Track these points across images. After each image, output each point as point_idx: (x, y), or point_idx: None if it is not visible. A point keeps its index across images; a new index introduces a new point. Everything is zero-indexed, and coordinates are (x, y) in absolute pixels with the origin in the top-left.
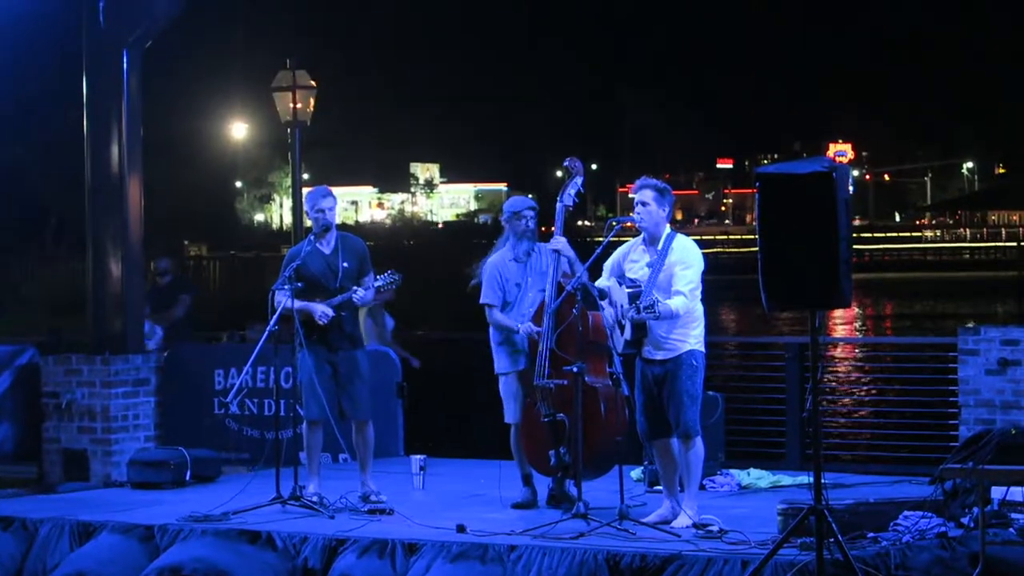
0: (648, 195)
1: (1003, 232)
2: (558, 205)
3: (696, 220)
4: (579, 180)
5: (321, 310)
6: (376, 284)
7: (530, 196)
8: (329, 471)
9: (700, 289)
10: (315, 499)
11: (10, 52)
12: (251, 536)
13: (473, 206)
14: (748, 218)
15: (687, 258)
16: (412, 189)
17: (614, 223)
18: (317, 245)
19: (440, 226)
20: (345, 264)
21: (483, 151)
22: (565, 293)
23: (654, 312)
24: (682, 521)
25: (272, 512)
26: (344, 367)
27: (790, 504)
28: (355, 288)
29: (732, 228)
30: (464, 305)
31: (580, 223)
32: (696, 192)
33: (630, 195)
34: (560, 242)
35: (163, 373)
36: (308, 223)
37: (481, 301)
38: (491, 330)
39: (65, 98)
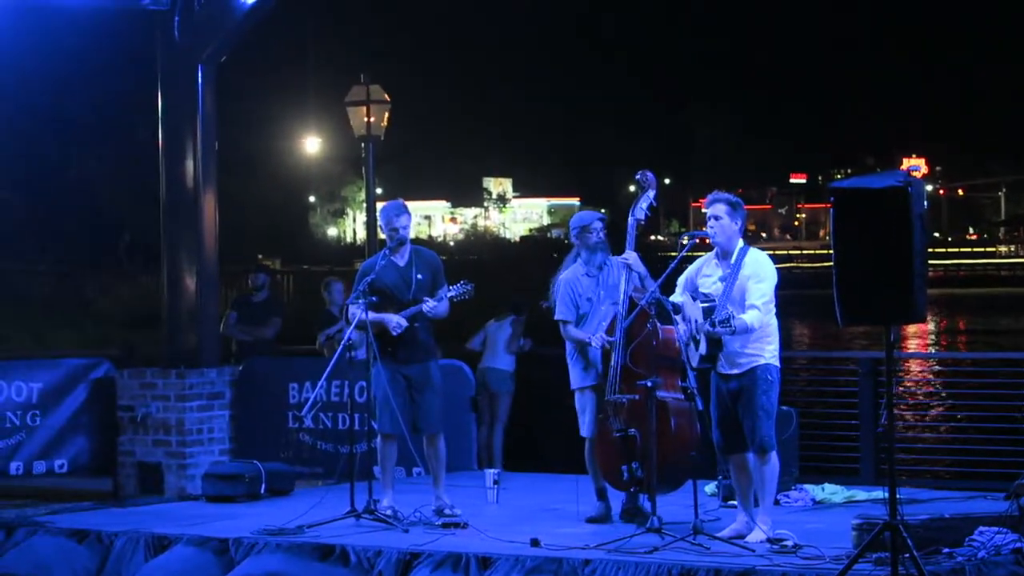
0: (721, 209)
1: None
2: (630, 219)
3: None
4: (651, 194)
5: (396, 321)
6: (449, 295)
7: (602, 211)
8: (403, 485)
9: (774, 303)
10: (389, 513)
11: (87, 68)
12: (325, 550)
13: (546, 220)
14: (821, 233)
15: (760, 271)
16: (485, 203)
17: (687, 238)
18: (392, 258)
19: (518, 240)
20: (419, 276)
21: (556, 166)
22: (639, 308)
23: (730, 326)
24: (756, 536)
25: (346, 526)
26: (417, 379)
27: (865, 519)
28: (426, 299)
29: (805, 243)
30: (538, 319)
31: (653, 238)
32: (769, 207)
33: (703, 210)
34: (631, 256)
35: (237, 387)
36: (383, 236)
37: (556, 317)
38: (567, 345)
39: (140, 113)
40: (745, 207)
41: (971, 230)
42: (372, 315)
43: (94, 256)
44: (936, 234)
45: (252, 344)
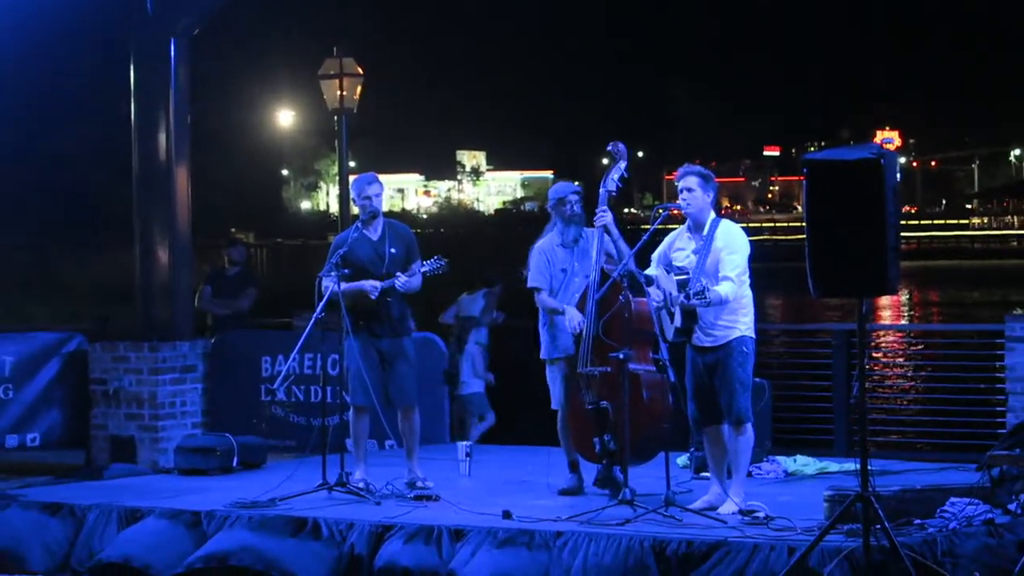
0: (693, 181)
1: None
2: (601, 191)
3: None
4: (623, 165)
5: (372, 284)
6: (422, 270)
7: (576, 183)
8: (375, 458)
9: (748, 275)
10: (361, 485)
11: (59, 42)
12: (298, 523)
13: (519, 193)
14: (795, 205)
15: (733, 243)
16: (459, 177)
17: (660, 210)
18: (364, 232)
19: (492, 213)
20: (392, 250)
21: (529, 139)
22: (611, 280)
23: (704, 298)
24: (728, 507)
25: (319, 499)
26: (390, 353)
27: (837, 491)
28: (399, 274)
29: (778, 216)
30: (510, 292)
31: (626, 211)
32: (743, 179)
33: (675, 182)
34: (607, 217)
35: (210, 360)
36: (355, 210)
37: (529, 285)
38: (540, 315)
39: (113, 88)
40: (718, 179)
41: (943, 203)
42: (346, 285)
43: (67, 230)
44: (907, 207)
45: (228, 316)
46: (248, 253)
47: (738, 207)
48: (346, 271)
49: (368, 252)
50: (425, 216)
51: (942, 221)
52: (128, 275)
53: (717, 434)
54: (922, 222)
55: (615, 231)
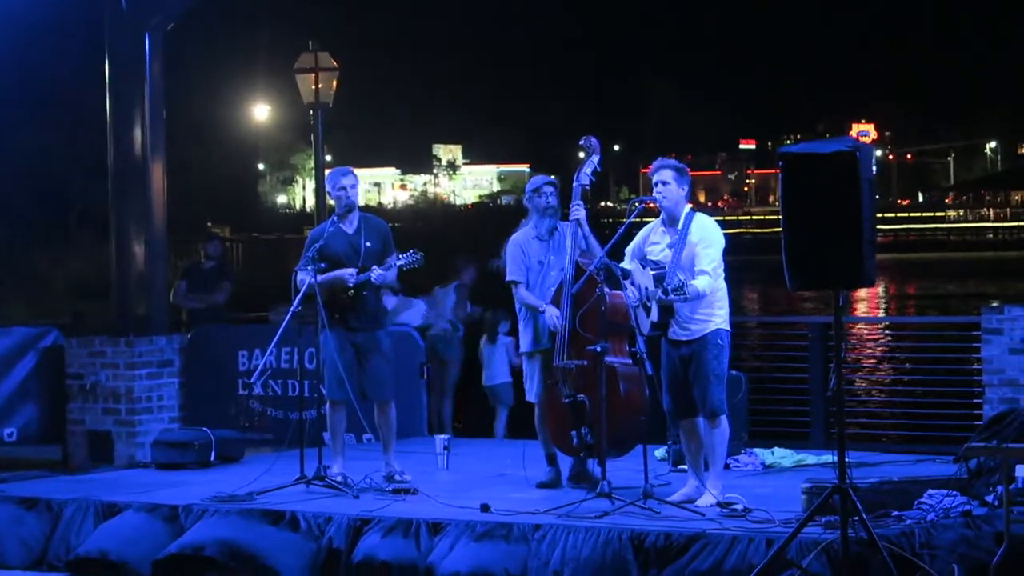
0: (667, 175)
1: None
2: (575, 185)
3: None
4: (596, 159)
5: (348, 272)
6: (398, 263)
7: (552, 176)
8: (353, 451)
9: (723, 268)
10: (339, 479)
11: (33, 37)
12: (275, 516)
13: (496, 187)
14: (771, 198)
15: (708, 237)
16: (435, 171)
17: (636, 203)
18: (340, 225)
19: (468, 207)
20: (368, 244)
21: (505, 133)
22: (588, 274)
23: (683, 293)
24: (706, 500)
25: (296, 492)
26: (366, 347)
27: (814, 483)
28: (373, 268)
29: (754, 209)
30: (487, 285)
31: (602, 204)
32: (719, 172)
33: (649, 175)
34: (580, 212)
35: (187, 354)
36: (332, 203)
37: (507, 279)
38: (518, 309)
39: (89, 82)
40: (694, 173)
41: (920, 196)
42: (322, 277)
43: (43, 226)
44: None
45: (204, 311)
46: (224, 248)
47: (716, 203)
48: (323, 265)
49: (343, 246)
50: (400, 208)
51: (919, 214)
52: (104, 270)
53: (692, 427)
54: (898, 215)
55: (587, 227)
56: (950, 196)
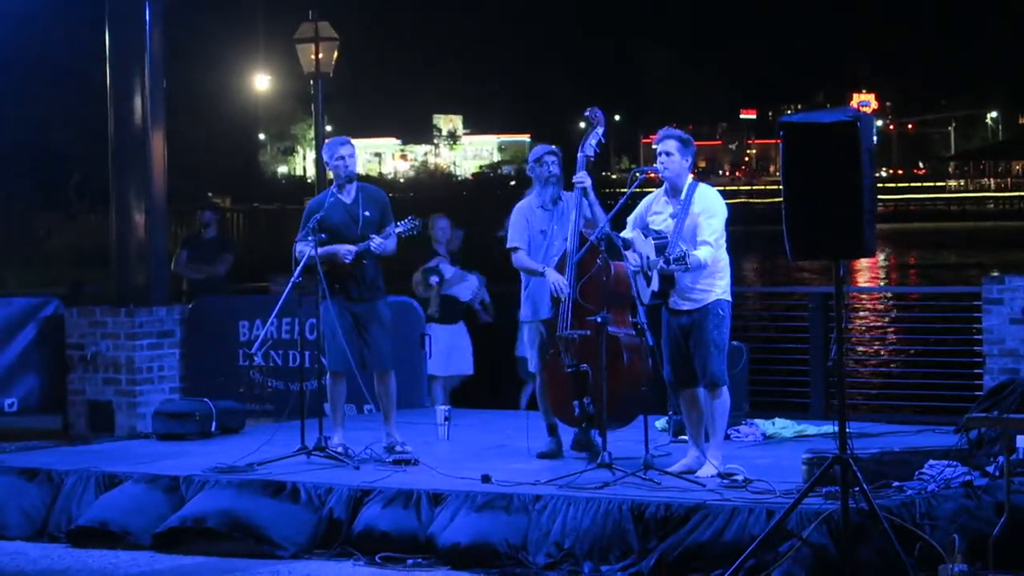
0: (672, 145)
1: None
2: (579, 155)
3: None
4: (600, 130)
5: (346, 248)
6: (396, 231)
7: (554, 146)
8: (354, 422)
9: (725, 238)
10: (340, 450)
11: (34, 7)
12: (276, 487)
13: (496, 157)
14: (772, 168)
15: (711, 207)
16: (435, 141)
17: (637, 173)
18: (339, 196)
19: (469, 177)
20: (367, 213)
21: (506, 103)
22: (589, 244)
23: (684, 263)
24: (707, 471)
25: (297, 463)
26: (365, 317)
27: (815, 453)
28: (372, 236)
29: (755, 178)
30: (487, 256)
31: (604, 174)
32: (720, 143)
33: (653, 146)
34: (586, 181)
35: (188, 325)
36: (331, 175)
37: (507, 245)
38: (522, 278)
39: (88, 53)
40: (695, 143)
41: (920, 165)
42: (321, 249)
43: (44, 195)
44: (885, 170)
45: (204, 281)
46: (220, 217)
47: (721, 172)
48: (323, 236)
49: (342, 216)
50: (403, 180)
51: (919, 184)
52: (105, 240)
53: (693, 397)
54: (899, 185)
55: (592, 195)
56: (951, 166)
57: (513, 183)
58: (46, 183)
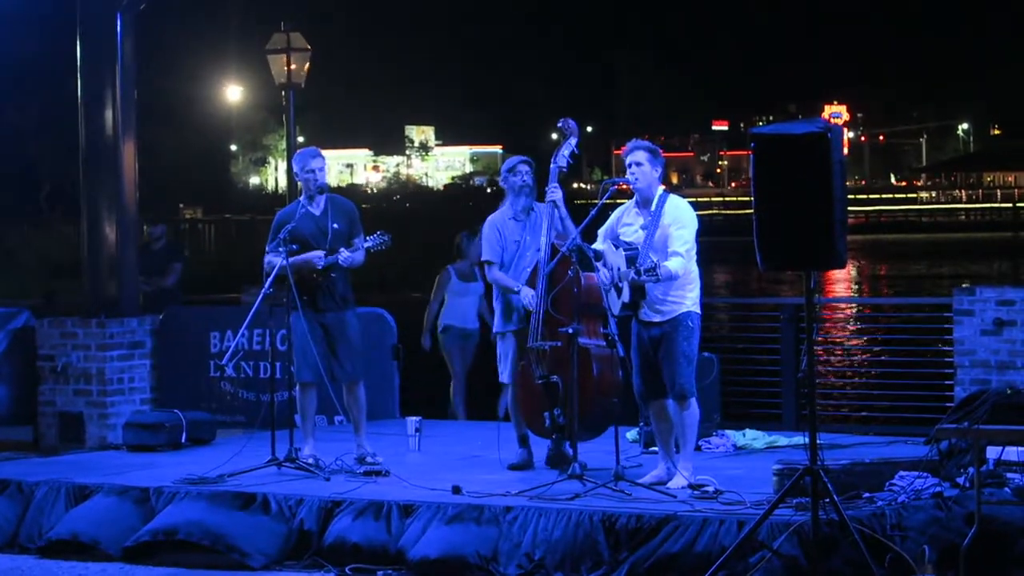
0: (641, 156)
1: (998, 193)
2: (552, 166)
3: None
4: (573, 141)
5: (316, 255)
6: (366, 245)
7: (526, 157)
8: (325, 433)
9: (696, 250)
10: (311, 461)
11: (5, 15)
12: (247, 498)
13: (468, 169)
14: (743, 180)
15: (681, 218)
16: (407, 152)
17: (609, 185)
18: (308, 207)
19: (441, 189)
20: (335, 225)
21: (478, 114)
22: (560, 255)
23: (655, 274)
24: (678, 482)
25: (268, 474)
26: (334, 328)
27: (786, 464)
28: (341, 249)
29: (727, 190)
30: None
31: (576, 186)
32: (692, 154)
33: (623, 157)
34: (557, 194)
35: (158, 336)
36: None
37: (482, 258)
38: (494, 289)
39: (59, 63)
40: (667, 154)
41: (892, 177)
42: (292, 259)
43: (14, 205)
44: (856, 180)
45: (153, 293)
46: (170, 229)
47: (710, 183)
48: (294, 247)
49: (311, 228)
50: (374, 191)
51: (891, 195)
52: (76, 250)
53: (662, 408)
54: (870, 196)
55: (563, 208)
56: (922, 178)
57: (489, 190)
58: (17, 193)
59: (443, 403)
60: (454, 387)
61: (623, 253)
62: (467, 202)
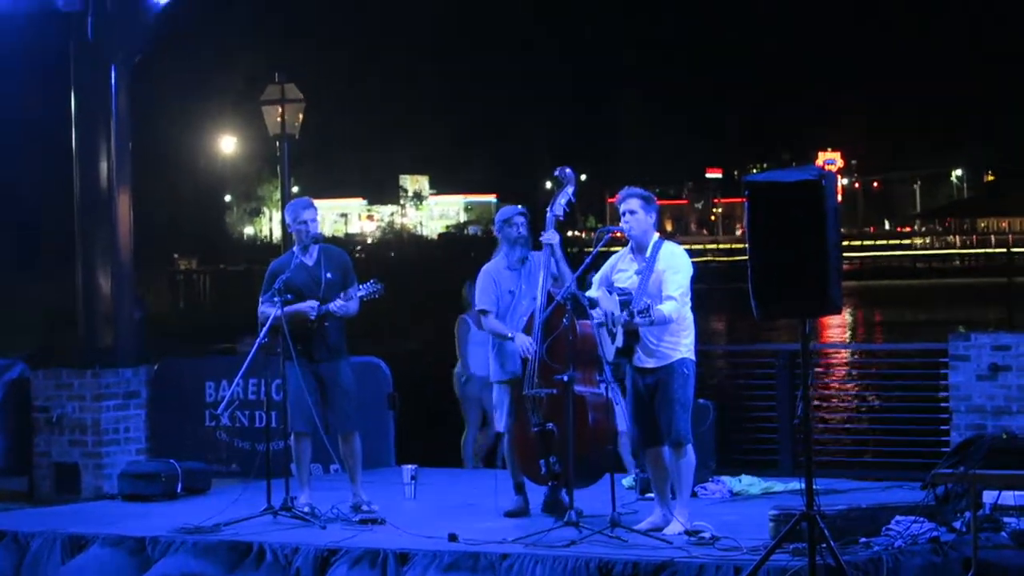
0: (635, 203)
1: (992, 239)
2: (548, 215)
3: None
4: (570, 190)
5: (309, 304)
6: (359, 294)
7: (520, 207)
8: (321, 482)
9: (690, 296)
10: (307, 510)
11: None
12: (242, 548)
13: (463, 218)
14: (738, 227)
15: (676, 263)
16: (401, 201)
17: (603, 233)
18: (301, 258)
19: (435, 238)
20: (328, 275)
21: (472, 163)
22: (555, 303)
23: (648, 316)
24: (674, 528)
25: (263, 523)
26: (328, 378)
27: (782, 510)
28: (337, 298)
29: (721, 237)
30: (455, 316)
31: (570, 233)
32: (686, 201)
33: (616, 204)
34: (553, 237)
35: (154, 386)
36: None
37: (476, 307)
38: (490, 337)
39: (54, 115)
40: (661, 202)
41: (886, 223)
42: (286, 309)
43: (7, 256)
44: (851, 228)
45: None
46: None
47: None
48: (289, 297)
49: (304, 278)
50: (371, 241)
51: (885, 241)
52: (70, 301)
53: (658, 455)
54: (864, 243)
55: (560, 253)
56: (916, 224)
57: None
58: (12, 243)
59: (439, 451)
60: (468, 435)
61: (617, 298)
62: (462, 250)
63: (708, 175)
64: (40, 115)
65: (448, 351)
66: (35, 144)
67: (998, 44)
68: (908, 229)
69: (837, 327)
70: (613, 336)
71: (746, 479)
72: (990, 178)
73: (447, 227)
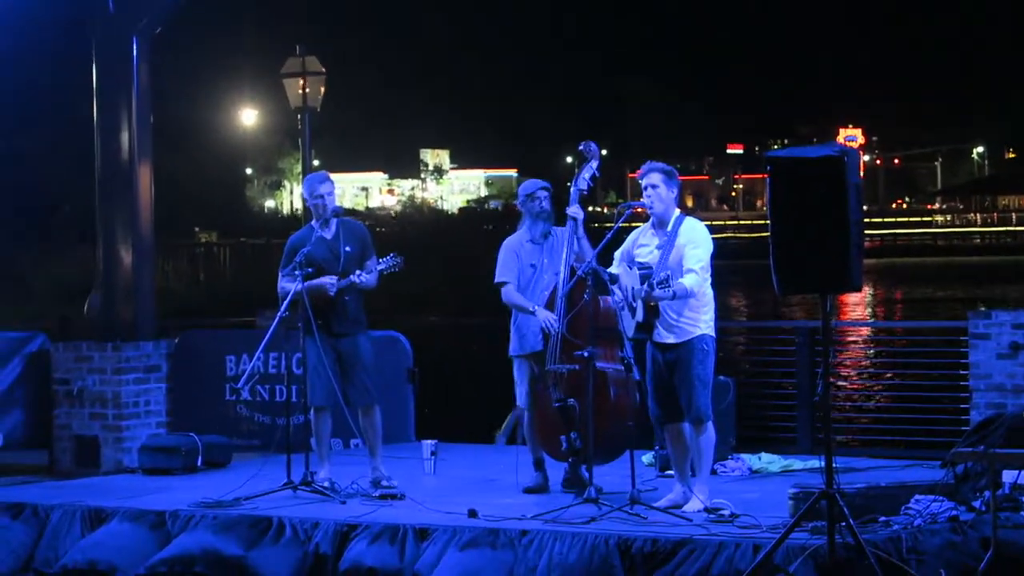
0: (656, 178)
1: (1013, 216)
2: (572, 189)
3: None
4: (594, 165)
5: (330, 280)
6: (379, 268)
7: (543, 181)
8: (341, 456)
9: (710, 271)
10: (326, 485)
11: (19, 41)
12: (262, 522)
13: (483, 192)
14: (758, 203)
15: (696, 238)
16: (422, 175)
17: (625, 208)
18: (320, 231)
19: (456, 212)
20: (347, 248)
21: (493, 137)
22: (576, 278)
23: (668, 287)
24: (693, 505)
25: (283, 498)
26: (348, 351)
27: (801, 488)
28: (358, 272)
29: (742, 213)
30: (475, 291)
31: (592, 209)
32: (706, 177)
33: (638, 179)
34: (578, 212)
35: (174, 359)
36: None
37: (496, 279)
38: (512, 313)
39: (75, 87)
40: (682, 177)
41: (906, 199)
42: (307, 283)
43: (30, 230)
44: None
45: None
46: None
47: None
48: (310, 270)
49: (324, 251)
50: (393, 215)
51: (906, 218)
52: (91, 274)
53: (678, 432)
54: (885, 219)
55: (581, 228)
56: (937, 201)
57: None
58: (33, 217)
59: (458, 427)
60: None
61: (637, 272)
62: (483, 225)
63: (729, 151)
64: (54, 86)
65: (470, 327)
66: (49, 116)
67: (1021, 20)
68: (930, 207)
69: (857, 304)
70: (633, 311)
71: (765, 457)
72: (1011, 155)
73: (467, 201)
